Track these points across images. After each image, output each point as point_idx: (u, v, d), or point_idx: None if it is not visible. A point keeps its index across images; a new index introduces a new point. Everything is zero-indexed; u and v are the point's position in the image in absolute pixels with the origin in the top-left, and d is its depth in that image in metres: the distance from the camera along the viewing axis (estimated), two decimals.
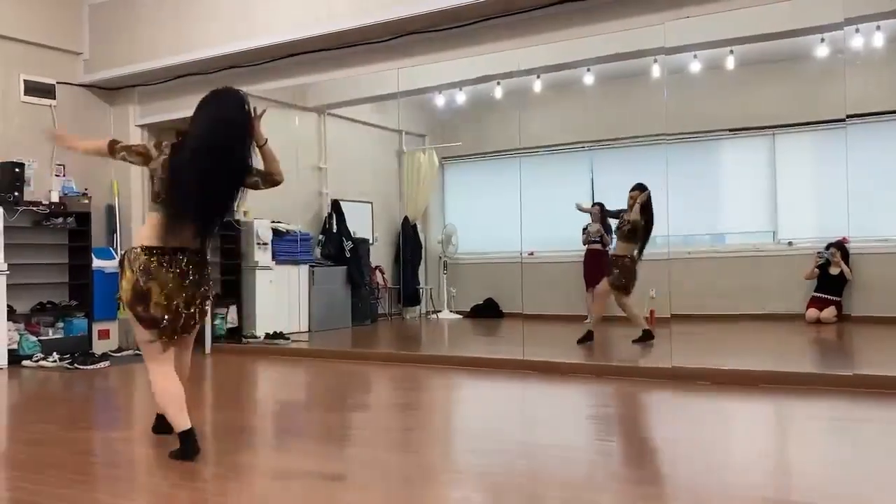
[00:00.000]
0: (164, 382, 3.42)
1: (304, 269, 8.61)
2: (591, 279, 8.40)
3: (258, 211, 8.14)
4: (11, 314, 7.02)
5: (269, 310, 8.00)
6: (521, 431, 4.11)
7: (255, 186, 3.56)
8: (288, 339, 7.76)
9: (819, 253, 7.93)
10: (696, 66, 7.50)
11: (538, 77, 7.96)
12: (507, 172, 7.77)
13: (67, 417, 4.62)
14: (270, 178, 3.56)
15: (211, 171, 3.33)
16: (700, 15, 5.48)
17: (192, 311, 3.46)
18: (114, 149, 3.52)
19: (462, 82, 8.34)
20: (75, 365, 6.65)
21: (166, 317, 3.37)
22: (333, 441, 3.88)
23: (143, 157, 3.46)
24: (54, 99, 7.89)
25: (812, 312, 7.83)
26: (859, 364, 5.87)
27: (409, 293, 9.99)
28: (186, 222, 3.39)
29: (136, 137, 8.41)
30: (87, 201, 7.81)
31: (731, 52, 7.31)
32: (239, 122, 3.41)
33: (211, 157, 3.33)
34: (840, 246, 7.79)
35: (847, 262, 7.80)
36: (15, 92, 7.58)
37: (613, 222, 7.34)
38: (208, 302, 3.57)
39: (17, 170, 7.25)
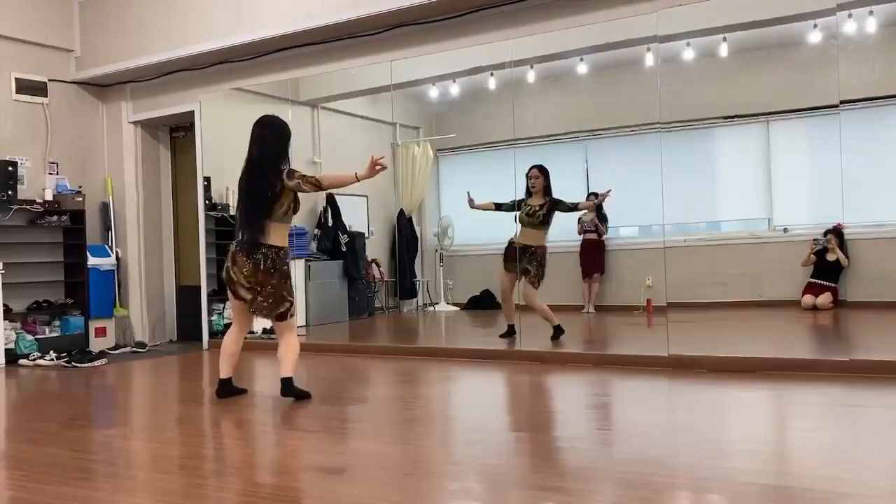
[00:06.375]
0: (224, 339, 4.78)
1: (301, 263, 8.59)
2: (587, 269, 8.42)
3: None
4: (7, 313, 7.02)
5: None
6: (521, 422, 4.11)
7: (298, 188, 4.44)
8: None
9: (815, 239, 7.94)
10: (689, 54, 7.49)
11: (531, 67, 7.94)
12: (501, 164, 7.76)
13: (66, 416, 4.62)
14: (310, 183, 4.40)
15: (246, 185, 4.54)
16: (692, 3, 5.47)
17: (252, 293, 4.49)
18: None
19: (455, 74, 8.32)
20: (72, 363, 6.64)
21: (230, 289, 4.59)
22: (333, 434, 3.88)
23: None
24: (46, 97, 7.86)
25: (808, 299, 7.84)
26: (856, 349, 5.88)
27: (405, 286, 9.98)
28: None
29: (128, 134, 8.41)
30: (81, 199, 7.79)
31: (724, 39, 7.30)
32: (269, 140, 4.55)
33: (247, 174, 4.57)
34: (837, 232, 7.80)
35: (843, 249, 7.81)
36: (7, 90, 7.55)
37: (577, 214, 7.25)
38: (267, 290, 4.48)
39: (10, 168, 7.24)
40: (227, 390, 4.75)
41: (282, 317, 4.58)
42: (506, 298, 6.63)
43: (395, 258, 10.01)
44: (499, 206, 6.78)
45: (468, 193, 6.89)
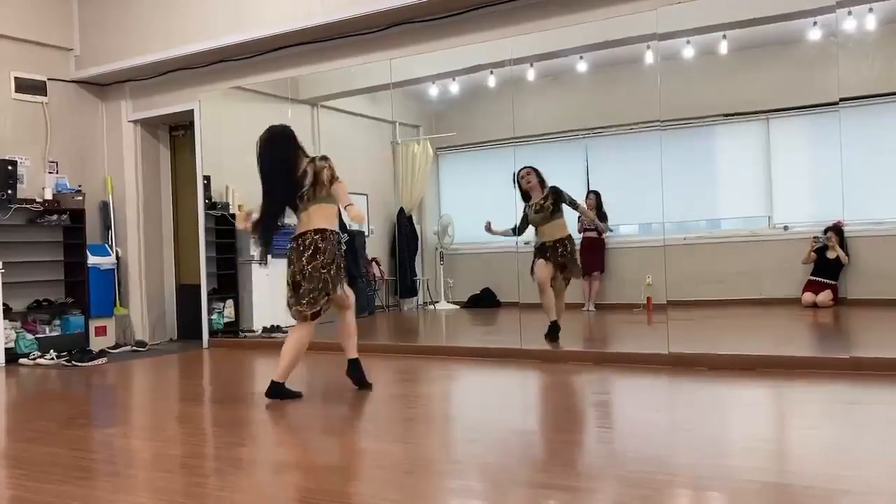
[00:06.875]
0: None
1: None
2: (587, 267, 8.41)
3: (253, 205, 8.12)
4: (8, 313, 7.01)
5: (265, 303, 7.98)
6: (521, 420, 4.11)
7: (321, 171, 4.62)
8: (285, 332, 7.74)
9: (816, 237, 7.93)
10: (689, 52, 7.48)
11: (531, 65, 7.93)
12: (501, 162, 7.76)
13: (66, 414, 4.62)
14: (332, 173, 4.68)
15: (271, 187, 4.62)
16: (691, 0, 5.46)
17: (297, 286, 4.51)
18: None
19: (455, 72, 8.31)
20: (72, 362, 6.64)
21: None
22: (333, 433, 3.88)
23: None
24: (46, 96, 7.85)
25: (808, 296, 7.84)
26: (856, 347, 5.88)
27: (405, 284, 9.98)
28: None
29: (128, 132, 8.40)
30: (80, 198, 7.78)
31: (724, 36, 7.29)
32: (279, 154, 4.67)
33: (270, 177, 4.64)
34: (837, 230, 7.79)
35: (843, 246, 7.81)
36: (6, 89, 7.54)
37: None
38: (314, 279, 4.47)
39: (9, 167, 7.23)
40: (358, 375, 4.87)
41: (297, 312, 4.56)
42: (544, 289, 6.35)
43: (395, 257, 10.01)
44: (513, 230, 6.70)
45: (489, 223, 6.84)
